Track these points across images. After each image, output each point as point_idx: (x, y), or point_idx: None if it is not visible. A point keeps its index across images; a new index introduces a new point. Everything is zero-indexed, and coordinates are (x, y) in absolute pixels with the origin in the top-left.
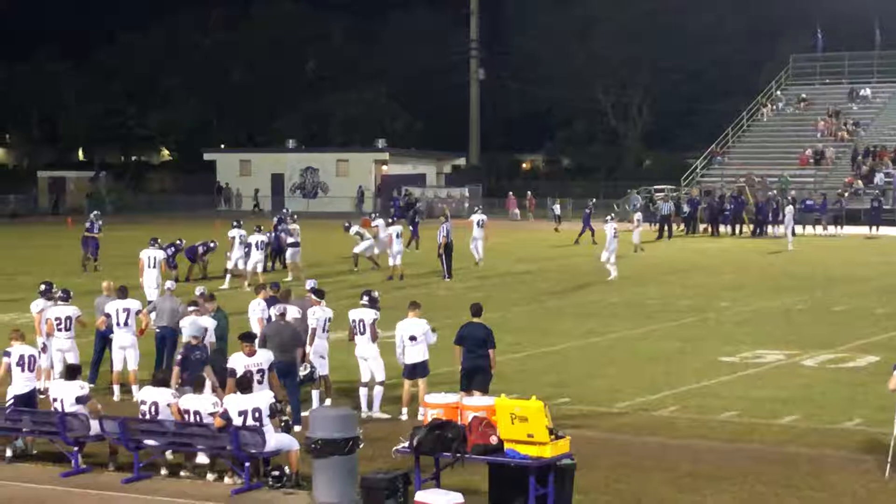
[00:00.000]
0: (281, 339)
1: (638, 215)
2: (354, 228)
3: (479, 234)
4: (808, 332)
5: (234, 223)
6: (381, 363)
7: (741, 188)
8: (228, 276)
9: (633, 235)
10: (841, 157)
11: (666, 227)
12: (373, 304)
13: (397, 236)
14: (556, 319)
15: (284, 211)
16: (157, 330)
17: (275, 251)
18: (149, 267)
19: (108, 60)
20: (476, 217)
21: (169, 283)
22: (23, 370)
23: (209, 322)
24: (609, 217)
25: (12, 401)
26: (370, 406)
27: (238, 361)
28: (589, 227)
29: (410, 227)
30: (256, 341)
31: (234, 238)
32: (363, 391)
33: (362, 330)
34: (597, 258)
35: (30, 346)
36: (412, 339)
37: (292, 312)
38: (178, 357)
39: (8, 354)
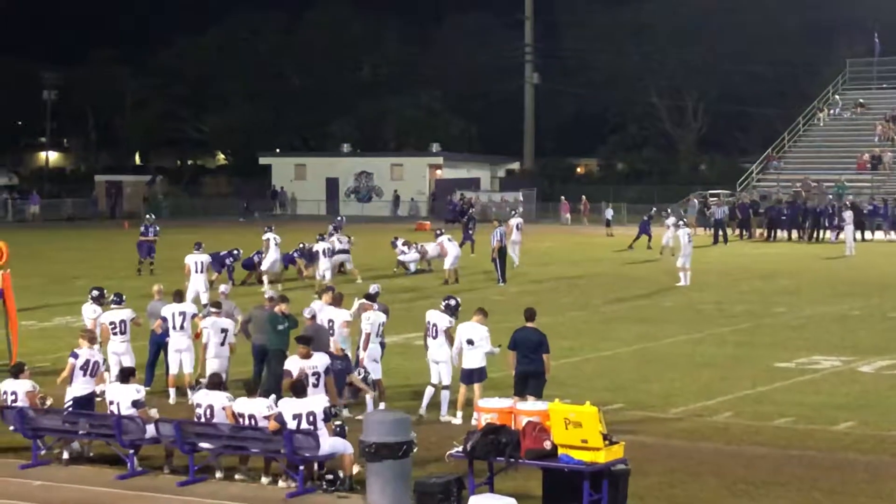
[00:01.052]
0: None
1: (671, 220)
2: (400, 247)
3: (518, 238)
4: (864, 338)
5: (267, 227)
6: (450, 368)
7: (796, 193)
8: (266, 278)
9: (663, 238)
10: None
11: (721, 232)
12: (450, 310)
13: (449, 240)
14: (610, 324)
15: (339, 219)
16: None
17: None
18: (196, 272)
19: (165, 64)
20: (514, 220)
21: (223, 287)
22: (84, 374)
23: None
24: (681, 222)
25: (71, 402)
26: (428, 409)
27: (294, 364)
28: (646, 233)
29: (464, 232)
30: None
31: (267, 240)
32: (429, 390)
33: (434, 334)
34: (650, 261)
35: (97, 351)
36: (469, 342)
37: (343, 316)
38: None
39: (75, 356)
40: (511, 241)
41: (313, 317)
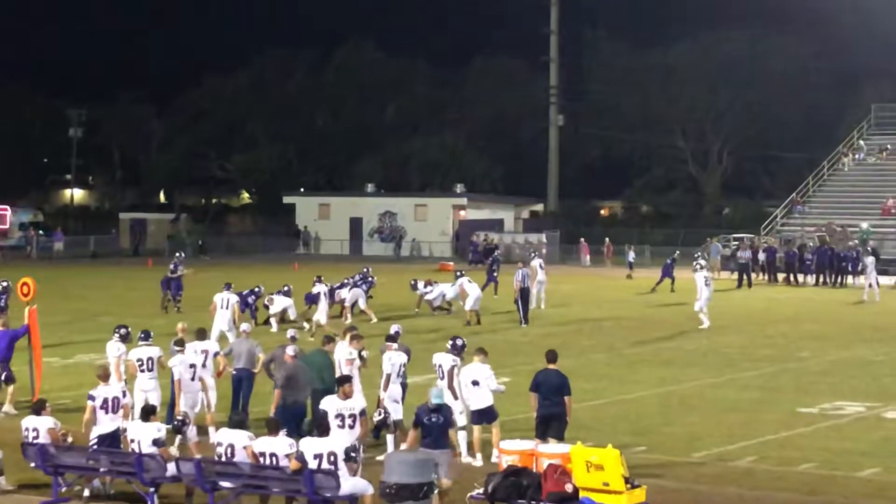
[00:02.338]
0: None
1: (703, 262)
2: (421, 289)
3: (543, 278)
4: (889, 384)
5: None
6: (461, 409)
7: (821, 237)
8: (274, 320)
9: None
10: None
11: (745, 276)
12: (456, 350)
13: (469, 282)
14: (633, 367)
15: (365, 270)
16: (234, 372)
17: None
18: (221, 307)
19: (192, 104)
20: (535, 262)
21: (245, 326)
22: (106, 412)
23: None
24: (699, 265)
25: (96, 440)
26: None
27: (330, 405)
28: (670, 277)
29: (487, 273)
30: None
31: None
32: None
33: (441, 375)
34: (673, 305)
35: (115, 387)
36: (475, 383)
37: (345, 354)
38: (413, 421)
39: (92, 398)
40: (537, 281)
41: (295, 355)
